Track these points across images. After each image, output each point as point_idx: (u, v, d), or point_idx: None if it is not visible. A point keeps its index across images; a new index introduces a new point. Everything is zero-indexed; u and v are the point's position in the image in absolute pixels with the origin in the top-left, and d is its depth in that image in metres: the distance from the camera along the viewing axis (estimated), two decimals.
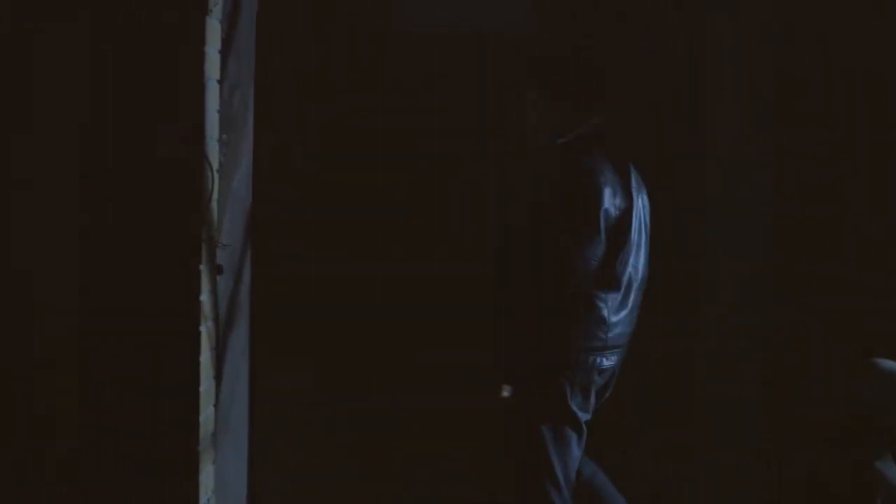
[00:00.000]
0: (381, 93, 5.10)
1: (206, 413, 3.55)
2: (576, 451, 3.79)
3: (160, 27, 3.39)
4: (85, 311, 3.43)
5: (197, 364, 3.45)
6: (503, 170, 4.56)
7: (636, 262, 3.80)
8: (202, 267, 3.46)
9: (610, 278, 3.72)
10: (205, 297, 3.50)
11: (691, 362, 4.95)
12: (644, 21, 5.02)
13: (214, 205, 3.59)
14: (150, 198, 3.41)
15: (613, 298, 3.74)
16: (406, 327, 5.04)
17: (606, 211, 3.68)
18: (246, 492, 4.23)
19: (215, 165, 3.53)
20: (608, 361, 3.79)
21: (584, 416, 3.80)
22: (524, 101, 3.85)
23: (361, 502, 4.98)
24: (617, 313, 3.76)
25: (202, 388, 3.49)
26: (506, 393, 3.67)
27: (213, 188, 3.50)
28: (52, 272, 3.45)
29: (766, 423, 4.82)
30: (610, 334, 3.75)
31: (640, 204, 3.84)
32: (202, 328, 3.48)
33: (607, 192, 3.69)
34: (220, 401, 3.78)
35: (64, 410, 3.45)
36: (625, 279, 3.76)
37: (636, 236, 3.78)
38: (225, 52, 3.68)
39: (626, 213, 3.75)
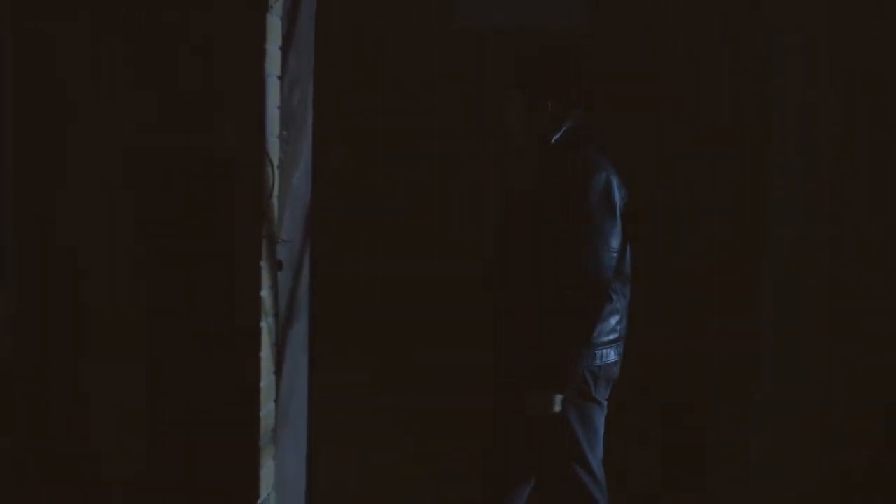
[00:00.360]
0: (439, 89, 5.11)
1: (267, 409, 3.56)
2: (601, 431, 3.84)
3: (220, 24, 3.40)
4: (149, 309, 3.45)
5: (258, 360, 3.47)
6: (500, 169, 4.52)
7: (632, 255, 3.87)
8: (263, 263, 3.48)
9: (621, 269, 3.78)
10: (265, 293, 3.51)
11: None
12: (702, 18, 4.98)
13: (275, 201, 3.59)
14: (212, 194, 3.43)
15: (622, 290, 3.81)
16: (463, 326, 5.04)
17: (618, 203, 3.73)
18: (305, 487, 4.25)
19: (275, 162, 3.54)
20: (621, 351, 3.85)
21: (604, 401, 3.85)
22: (507, 99, 3.84)
23: (419, 500, 4.98)
24: (623, 304, 3.82)
25: (263, 384, 3.50)
26: (557, 407, 3.68)
27: (273, 185, 3.51)
28: (113, 270, 3.47)
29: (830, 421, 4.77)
30: (622, 325, 3.83)
31: (627, 198, 3.87)
32: (263, 324, 3.49)
33: (615, 184, 3.74)
34: (280, 396, 3.79)
35: (130, 407, 3.48)
36: (629, 271, 3.85)
37: (630, 229, 3.82)
38: (285, 49, 3.69)
39: (626, 206, 3.81)
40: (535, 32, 5.06)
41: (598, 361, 3.75)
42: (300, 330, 4.06)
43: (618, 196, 3.72)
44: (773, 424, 4.83)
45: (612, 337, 3.79)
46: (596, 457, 3.83)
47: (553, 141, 3.79)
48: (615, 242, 3.69)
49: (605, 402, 3.85)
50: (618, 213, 3.71)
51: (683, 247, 5.04)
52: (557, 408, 3.69)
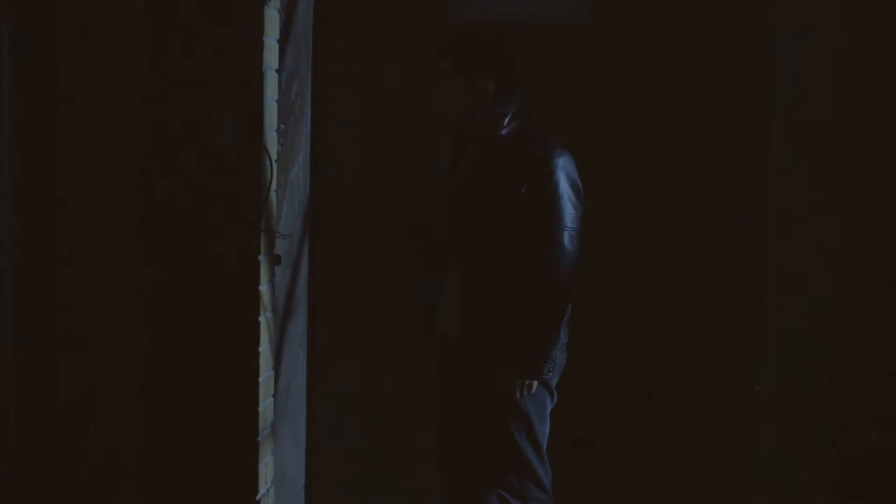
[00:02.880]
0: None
1: (266, 403, 3.56)
2: (548, 420, 3.85)
3: (219, 16, 3.39)
4: (147, 303, 3.44)
5: (256, 354, 3.46)
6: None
7: None
8: (261, 257, 3.46)
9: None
10: (264, 288, 3.50)
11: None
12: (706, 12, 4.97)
13: (273, 195, 3.58)
14: (210, 188, 3.42)
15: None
16: None
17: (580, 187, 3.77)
18: (304, 481, 4.24)
19: (273, 156, 3.53)
20: (567, 332, 3.85)
21: (555, 390, 3.86)
22: (440, 73, 3.81)
23: (417, 492, 4.98)
24: None
25: (261, 379, 3.49)
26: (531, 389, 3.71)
27: (271, 178, 3.50)
28: (112, 263, 3.46)
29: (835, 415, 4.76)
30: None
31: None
32: (261, 318, 3.48)
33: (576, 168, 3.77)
34: (279, 391, 3.79)
35: (127, 400, 3.47)
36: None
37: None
38: (283, 42, 3.68)
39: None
40: (535, 24, 5.05)
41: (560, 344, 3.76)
42: (299, 324, 4.05)
43: (573, 175, 3.72)
44: (773, 417, 4.83)
45: (566, 319, 3.79)
46: (545, 442, 3.83)
47: (506, 123, 3.77)
48: (579, 225, 3.71)
49: (556, 392, 3.85)
50: (576, 193, 3.71)
51: (685, 240, 5.03)
52: (531, 389, 3.71)
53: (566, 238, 3.67)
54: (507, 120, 3.75)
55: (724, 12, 4.97)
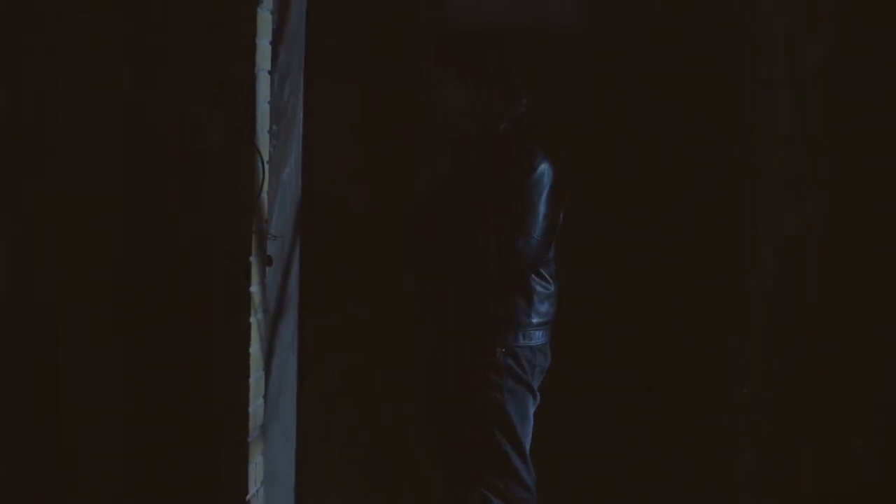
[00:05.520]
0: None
1: (256, 404, 3.56)
2: (531, 420, 3.84)
3: (211, 17, 3.39)
4: (137, 303, 3.44)
5: (247, 355, 3.46)
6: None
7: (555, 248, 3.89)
8: (252, 258, 3.47)
9: (549, 258, 3.82)
10: (255, 289, 3.51)
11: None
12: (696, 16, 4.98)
13: (264, 196, 3.59)
14: (201, 188, 3.42)
15: (553, 276, 3.83)
16: None
17: (546, 193, 3.75)
18: (294, 482, 4.25)
19: (265, 157, 3.53)
20: (549, 335, 3.87)
21: (537, 390, 3.87)
22: (438, 81, 3.80)
23: (409, 492, 4.99)
24: (552, 290, 3.83)
25: (252, 380, 3.49)
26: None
27: (263, 180, 3.50)
28: (99, 264, 3.46)
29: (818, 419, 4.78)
30: (552, 309, 3.85)
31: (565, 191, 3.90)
32: (252, 320, 3.48)
33: (551, 176, 3.75)
34: (269, 392, 3.79)
35: (112, 400, 3.47)
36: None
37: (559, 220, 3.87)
38: (276, 43, 3.68)
39: (560, 197, 3.82)
40: (526, 26, 5.05)
41: (531, 341, 3.77)
42: (289, 326, 4.06)
43: (549, 187, 3.72)
44: (761, 419, 4.84)
45: (543, 319, 3.79)
46: (527, 443, 3.83)
47: (502, 129, 3.76)
48: (539, 231, 3.70)
49: (538, 392, 3.86)
50: (547, 203, 3.71)
51: (672, 242, 5.04)
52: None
53: (524, 242, 3.68)
54: (503, 126, 3.75)
55: (725, 12, 4.98)
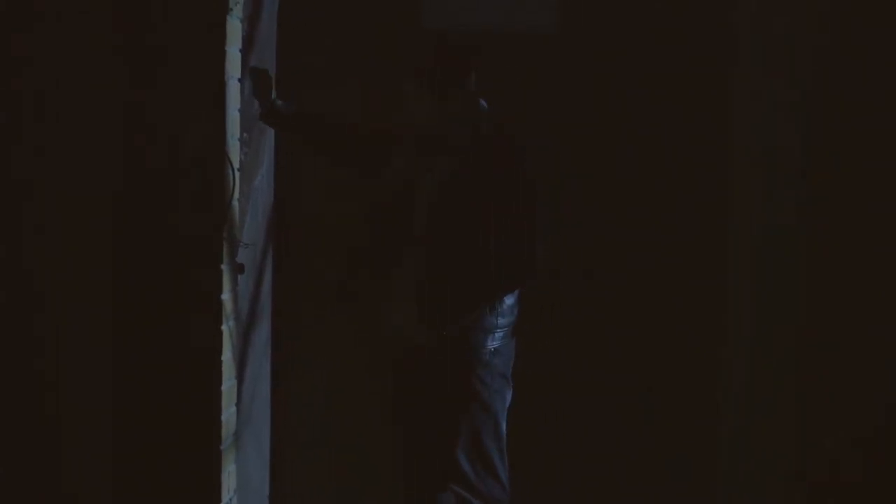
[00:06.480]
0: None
1: (229, 412, 3.55)
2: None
3: (180, 26, 3.39)
4: (111, 308, 3.44)
5: (219, 363, 3.45)
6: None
7: None
8: (224, 266, 3.46)
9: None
10: (226, 297, 3.50)
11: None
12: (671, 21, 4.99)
13: (236, 204, 3.58)
14: (172, 197, 3.41)
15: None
16: None
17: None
18: (268, 490, 4.24)
19: (236, 165, 3.53)
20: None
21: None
22: (405, 95, 3.83)
23: (385, 501, 4.98)
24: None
25: (224, 388, 3.49)
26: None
27: (234, 187, 3.50)
28: (80, 270, 3.45)
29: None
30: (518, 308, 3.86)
31: None
32: (224, 327, 3.48)
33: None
34: (242, 400, 3.78)
35: (94, 408, 3.46)
36: None
37: None
38: (246, 51, 3.68)
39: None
40: (502, 34, 5.06)
41: (505, 341, 3.79)
42: (262, 334, 4.05)
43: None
44: (745, 417, 4.85)
45: (516, 315, 3.81)
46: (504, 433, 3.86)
47: (483, 129, 3.78)
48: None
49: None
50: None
51: (672, 242, 5.04)
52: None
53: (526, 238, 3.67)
54: (483, 128, 3.76)
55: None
